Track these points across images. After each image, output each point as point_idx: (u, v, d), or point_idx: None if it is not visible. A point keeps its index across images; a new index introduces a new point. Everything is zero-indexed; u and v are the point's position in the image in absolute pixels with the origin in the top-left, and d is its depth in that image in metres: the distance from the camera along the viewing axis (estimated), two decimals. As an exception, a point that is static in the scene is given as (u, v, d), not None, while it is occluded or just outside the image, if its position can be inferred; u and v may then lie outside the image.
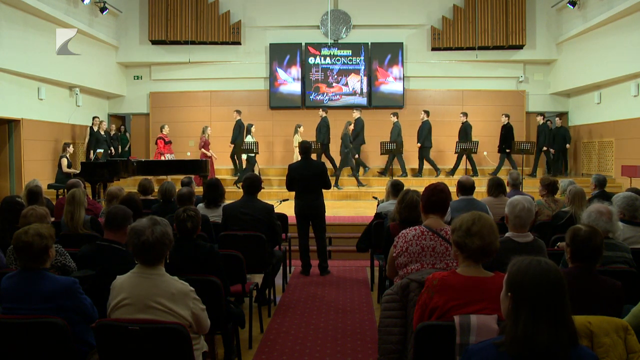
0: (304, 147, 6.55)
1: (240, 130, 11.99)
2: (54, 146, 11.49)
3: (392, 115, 12.28)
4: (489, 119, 13.22)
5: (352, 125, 11.78)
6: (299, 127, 12.09)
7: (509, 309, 1.64)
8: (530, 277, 1.62)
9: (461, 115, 12.33)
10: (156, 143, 12.24)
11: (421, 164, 12.28)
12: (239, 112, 12.28)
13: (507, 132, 12.19)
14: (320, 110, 12.01)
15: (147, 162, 10.81)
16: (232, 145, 12.00)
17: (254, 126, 11.88)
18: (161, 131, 12.18)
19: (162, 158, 11.79)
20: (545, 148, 12.55)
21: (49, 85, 11.30)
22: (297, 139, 11.61)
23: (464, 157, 11.98)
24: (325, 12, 13.51)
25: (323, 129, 11.70)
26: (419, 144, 12.12)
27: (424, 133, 12.08)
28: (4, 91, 9.89)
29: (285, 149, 13.08)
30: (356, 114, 12.08)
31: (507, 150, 11.82)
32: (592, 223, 3.08)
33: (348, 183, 11.74)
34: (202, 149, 11.85)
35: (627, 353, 2.10)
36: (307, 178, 6.35)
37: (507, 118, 12.32)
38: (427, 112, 12.25)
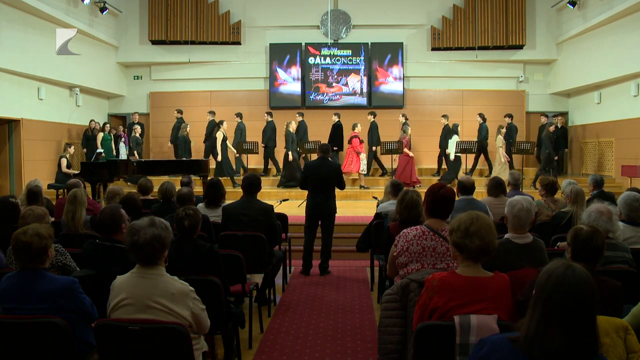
0: (322, 148, 6.55)
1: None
2: (54, 146, 11.49)
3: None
4: (489, 119, 13.20)
5: (554, 124, 11.52)
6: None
7: (529, 306, 1.62)
8: (551, 281, 1.58)
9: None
10: (350, 142, 11.48)
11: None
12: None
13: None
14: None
15: (147, 162, 10.79)
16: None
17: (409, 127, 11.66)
18: (354, 129, 11.51)
19: (360, 158, 11.30)
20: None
21: (49, 85, 11.30)
22: None
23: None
24: (325, 12, 13.51)
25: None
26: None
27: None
28: (4, 91, 9.89)
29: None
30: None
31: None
32: (592, 223, 3.06)
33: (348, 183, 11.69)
34: (405, 149, 11.07)
35: (627, 353, 2.10)
36: (321, 178, 6.35)
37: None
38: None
